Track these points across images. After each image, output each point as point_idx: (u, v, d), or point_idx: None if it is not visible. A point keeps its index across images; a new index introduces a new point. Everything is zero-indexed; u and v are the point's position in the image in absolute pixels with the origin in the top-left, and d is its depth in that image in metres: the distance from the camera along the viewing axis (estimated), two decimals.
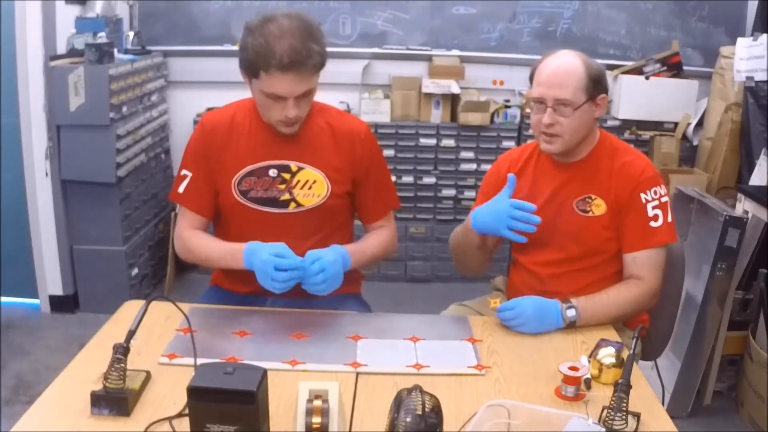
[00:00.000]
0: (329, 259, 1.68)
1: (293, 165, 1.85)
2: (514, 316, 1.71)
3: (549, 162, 1.93)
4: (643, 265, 1.82)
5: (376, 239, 1.97)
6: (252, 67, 1.71)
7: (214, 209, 1.91)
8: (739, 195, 2.98)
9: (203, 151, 1.87)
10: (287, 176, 1.85)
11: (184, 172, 1.89)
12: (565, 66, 1.80)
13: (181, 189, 1.89)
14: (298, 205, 1.86)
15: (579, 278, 1.87)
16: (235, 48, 4.03)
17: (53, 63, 3.27)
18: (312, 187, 1.86)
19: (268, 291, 1.71)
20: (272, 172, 1.85)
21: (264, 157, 1.85)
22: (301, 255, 1.78)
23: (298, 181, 1.85)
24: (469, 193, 4.04)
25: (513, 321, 1.71)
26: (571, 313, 1.71)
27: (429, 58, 4.06)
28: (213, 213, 1.92)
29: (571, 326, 1.72)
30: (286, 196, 1.85)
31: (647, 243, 1.81)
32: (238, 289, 1.92)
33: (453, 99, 3.97)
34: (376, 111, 3.95)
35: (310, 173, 1.85)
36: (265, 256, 1.66)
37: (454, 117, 3.99)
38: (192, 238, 1.88)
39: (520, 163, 1.99)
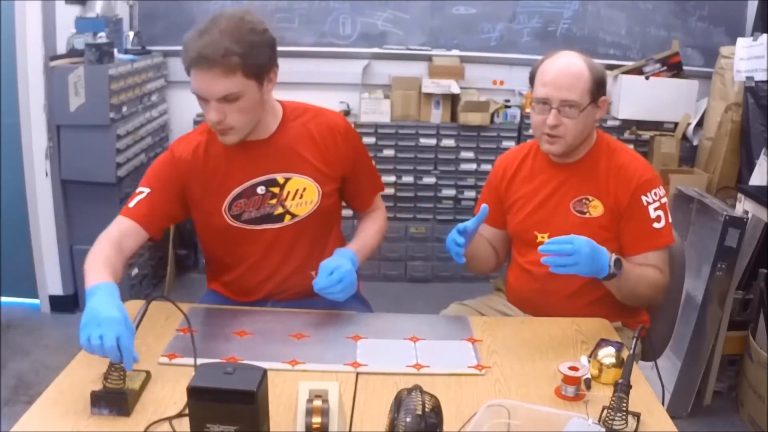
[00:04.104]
0: (346, 269, 1.67)
1: (279, 177, 1.80)
2: (572, 252, 1.55)
3: (546, 162, 1.93)
4: (656, 261, 1.81)
5: (375, 227, 1.97)
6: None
7: (160, 230, 1.82)
8: (739, 195, 2.98)
9: (168, 176, 1.79)
10: (276, 190, 1.80)
11: (140, 189, 1.79)
12: (571, 67, 1.79)
13: (132, 204, 1.77)
14: (293, 216, 1.82)
15: (577, 277, 1.85)
16: None
17: (53, 63, 3.27)
18: (303, 195, 1.82)
19: (267, 298, 1.76)
20: (260, 190, 1.80)
21: (248, 176, 1.79)
22: (302, 264, 1.83)
23: (288, 192, 1.81)
24: (469, 193, 4.04)
25: (567, 259, 1.55)
26: (617, 265, 1.65)
27: (429, 58, 4.05)
28: (158, 233, 1.81)
29: (610, 278, 1.66)
30: (280, 210, 1.81)
31: (652, 245, 1.81)
32: (236, 299, 1.91)
33: (453, 99, 3.97)
34: (376, 111, 3.94)
35: (299, 181, 1.81)
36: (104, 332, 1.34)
37: (454, 117, 3.98)
38: (101, 242, 1.71)
39: (515, 164, 1.99)
